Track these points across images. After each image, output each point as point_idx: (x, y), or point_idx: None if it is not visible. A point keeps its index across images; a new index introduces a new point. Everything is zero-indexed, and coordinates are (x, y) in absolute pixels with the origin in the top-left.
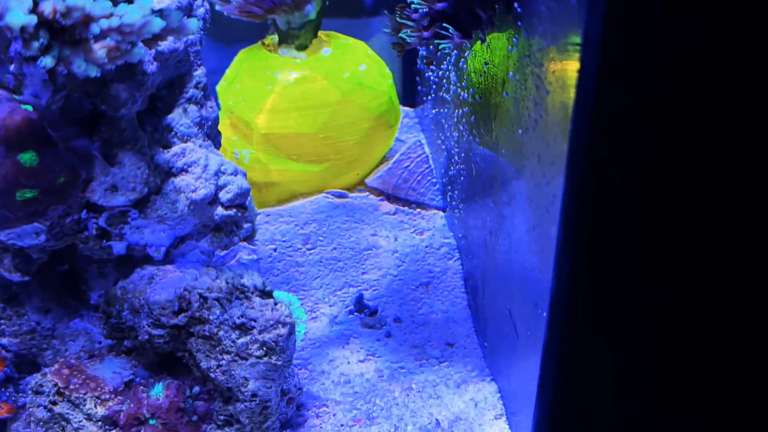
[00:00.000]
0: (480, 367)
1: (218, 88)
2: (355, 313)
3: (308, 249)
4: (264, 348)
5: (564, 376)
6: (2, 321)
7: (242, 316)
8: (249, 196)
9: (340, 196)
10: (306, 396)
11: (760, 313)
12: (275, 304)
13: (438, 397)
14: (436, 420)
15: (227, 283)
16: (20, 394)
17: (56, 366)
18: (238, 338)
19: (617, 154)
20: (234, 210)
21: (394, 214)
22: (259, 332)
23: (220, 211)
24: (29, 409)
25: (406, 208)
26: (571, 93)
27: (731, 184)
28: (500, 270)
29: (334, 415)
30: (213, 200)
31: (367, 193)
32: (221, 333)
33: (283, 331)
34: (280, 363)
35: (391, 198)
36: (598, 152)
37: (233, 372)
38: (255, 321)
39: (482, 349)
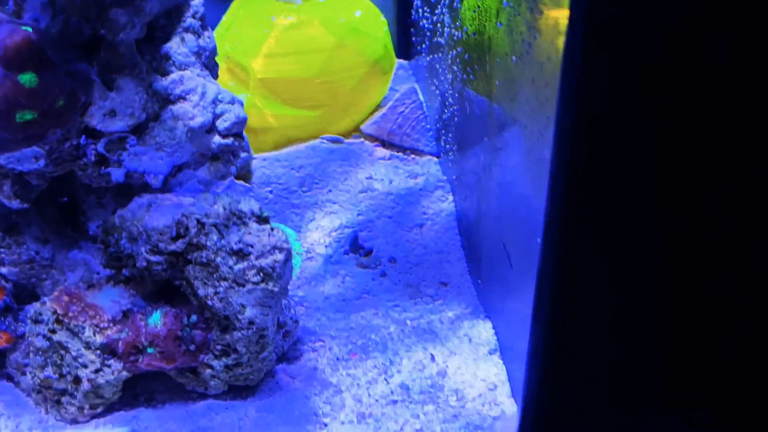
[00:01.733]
0: (474, 304)
1: (215, 33)
2: (351, 254)
3: (304, 191)
4: (261, 274)
5: (558, 304)
6: (2, 250)
7: (239, 242)
8: (245, 139)
9: (336, 141)
10: (302, 331)
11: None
12: (272, 229)
13: (432, 332)
14: (431, 354)
15: (224, 208)
16: (19, 324)
17: (55, 293)
18: (235, 264)
19: (613, 70)
20: (231, 139)
21: (389, 159)
22: (256, 258)
23: (217, 139)
24: (28, 338)
25: (400, 154)
26: (565, 8)
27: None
28: (494, 204)
29: (330, 349)
30: (210, 128)
31: (362, 140)
32: (218, 259)
33: (280, 256)
34: (276, 289)
35: (385, 144)
36: (592, 69)
37: (230, 299)
38: (252, 247)
39: (476, 287)
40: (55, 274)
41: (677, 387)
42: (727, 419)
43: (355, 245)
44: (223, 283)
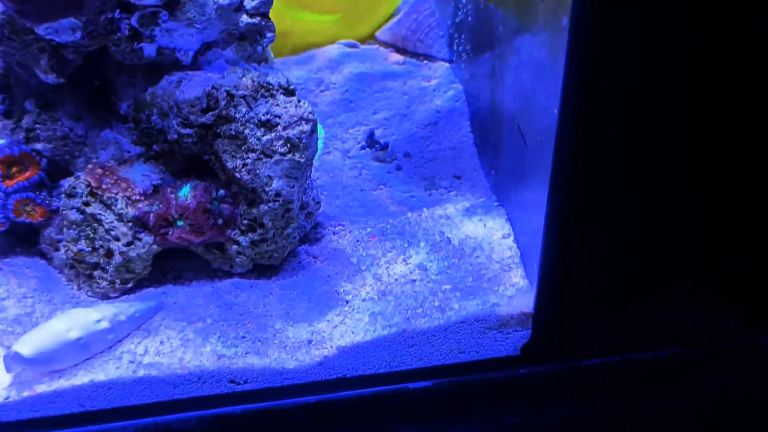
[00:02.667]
0: (487, 195)
1: None
2: (367, 148)
3: (321, 91)
4: (288, 144)
5: (574, 179)
6: (37, 126)
7: (267, 113)
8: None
9: (352, 46)
10: (322, 216)
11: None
12: (298, 101)
13: (448, 218)
14: (447, 237)
15: (253, 81)
16: (53, 200)
17: (89, 167)
18: (263, 135)
19: None
20: (258, 18)
21: (403, 64)
22: (284, 128)
23: (244, 18)
24: (62, 212)
25: (414, 59)
26: None
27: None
28: (509, 88)
29: (350, 232)
30: (239, 7)
31: (377, 46)
32: (247, 131)
33: (307, 127)
34: (303, 160)
35: (399, 50)
36: None
37: (258, 171)
38: (279, 117)
39: (489, 180)
40: (88, 151)
41: (686, 269)
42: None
43: (371, 141)
44: (251, 155)
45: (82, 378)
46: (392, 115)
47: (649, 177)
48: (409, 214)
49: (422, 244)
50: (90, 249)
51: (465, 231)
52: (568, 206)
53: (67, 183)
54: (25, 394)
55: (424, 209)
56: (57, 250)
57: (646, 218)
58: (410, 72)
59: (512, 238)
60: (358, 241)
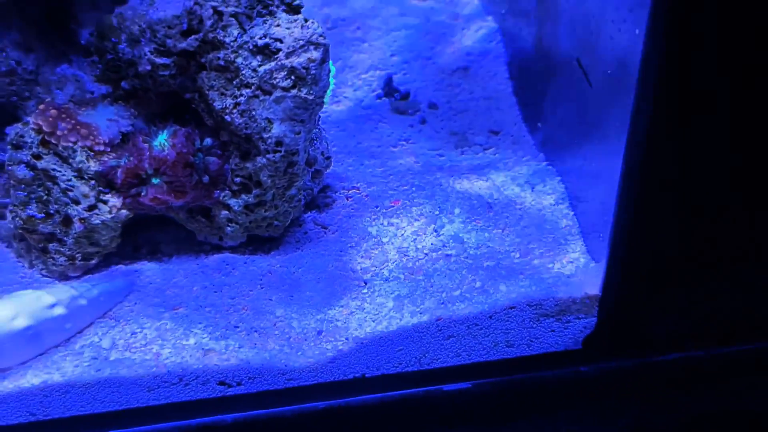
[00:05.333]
0: (532, 153)
1: None
2: (384, 98)
3: (329, 29)
4: (292, 76)
5: (660, 127)
6: None
7: (265, 36)
8: None
9: None
10: (332, 177)
11: None
12: (305, 20)
13: (488, 179)
14: (487, 203)
15: None
16: None
17: (40, 107)
18: (260, 65)
19: None
20: None
21: (425, 0)
22: (286, 56)
23: None
24: (8, 167)
25: None
26: None
27: None
28: (564, 17)
29: (367, 196)
30: None
31: None
32: (239, 60)
33: (316, 54)
34: (311, 98)
35: None
36: None
37: (254, 112)
38: (281, 42)
39: (534, 135)
40: (41, 91)
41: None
42: None
43: (389, 89)
44: (245, 91)
45: (31, 379)
46: (413, 58)
47: (755, 131)
48: (439, 175)
49: (457, 210)
50: (43, 215)
51: (508, 196)
52: (651, 162)
53: (13, 131)
54: None
55: (456, 170)
56: (2, 217)
57: (746, 183)
58: (433, 7)
59: (567, 204)
60: (377, 207)
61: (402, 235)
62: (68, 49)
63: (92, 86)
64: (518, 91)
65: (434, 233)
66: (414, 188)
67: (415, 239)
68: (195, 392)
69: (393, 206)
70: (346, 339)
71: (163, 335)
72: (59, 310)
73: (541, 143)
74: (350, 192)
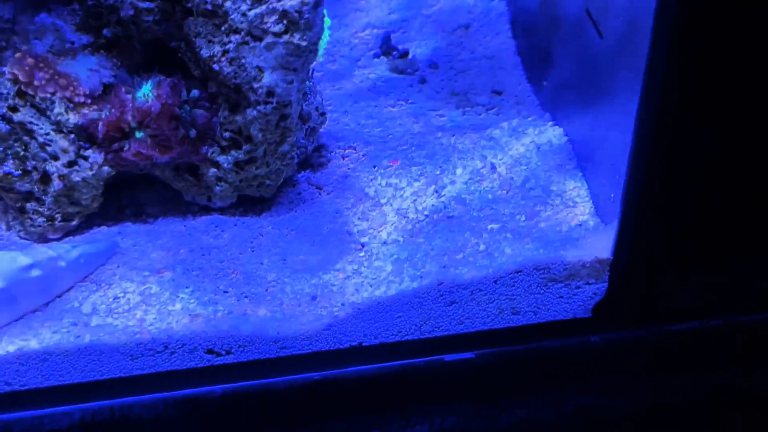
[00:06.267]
0: (538, 113)
1: None
2: (382, 56)
3: None
4: (284, 21)
5: (678, 73)
6: None
7: None
8: None
9: None
10: (327, 137)
11: None
12: None
13: (491, 139)
14: (491, 163)
15: None
16: None
17: (17, 56)
18: (249, 9)
19: None
20: None
21: None
22: None
23: None
24: None
25: None
26: None
27: None
28: None
29: (364, 155)
30: None
31: None
32: (228, 3)
33: None
34: (304, 44)
35: None
36: None
37: (243, 60)
38: None
39: (538, 95)
40: (18, 41)
41: None
42: None
43: (387, 47)
44: (234, 37)
45: (6, 346)
46: (412, 16)
47: None
48: (440, 135)
49: (459, 171)
50: (20, 172)
51: (513, 155)
52: (668, 113)
53: None
54: None
55: (457, 130)
56: None
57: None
58: None
59: (575, 164)
60: (374, 166)
61: (401, 195)
62: None
63: (73, 36)
64: (522, 51)
65: (435, 194)
66: (413, 148)
67: (415, 200)
68: (181, 361)
69: (391, 166)
70: (342, 305)
71: (148, 300)
72: (36, 272)
73: (546, 103)
74: (346, 152)
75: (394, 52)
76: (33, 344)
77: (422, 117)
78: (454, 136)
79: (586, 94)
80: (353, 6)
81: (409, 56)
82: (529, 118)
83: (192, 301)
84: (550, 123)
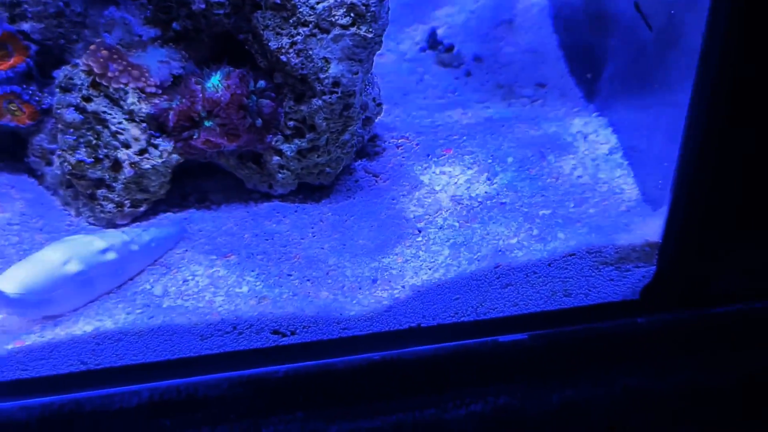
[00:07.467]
0: (582, 105)
1: None
2: (428, 50)
3: None
4: (352, 13)
5: (735, 54)
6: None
7: None
8: None
9: None
10: (380, 127)
11: None
12: None
13: (539, 129)
14: (540, 152)
15: None
16: (45, 96)
17: (91, 48)
18: (318, 2)
19: None
20: None
21: None
22: None
23: None
24: (56, 111)
25: None
26: None
27: None
28: None
29: (417, 144)
30: None
31: None
32: None
33: None
34: (370, 35)
35: None
36: None
37: (310, 51)
38: None
39: (582, 87)
40: (88, 34)
41: None
42: None
43: (433, 41)
44: (302, 30)
45: (83, 326)
46: (456, 12)
47: None
48: (489, 125)
49: (509, 159)
50: (92, 159)
51: (561, 146)
52: (720, 100)
53: (62, 73)
54: (10, 347)
55: (505, 122)
56: (49, 163)
57: None
58: None
59: (621, 153)
60: (428, 155)
61: (455, 183)
62: None
63: (140, 29)
64: (564, 44)
65: (487, 181)
66: (464, 138)
67: (469, 187)
68: (248, 341)
69: (445, 155)
70: (402, 287)
71: (216, 283)
72: (111, 256)
73: (591, 95)
74: (399, 141)
75: (439, 46)
76: (108, 325)
77: (470, 108)
78: (503, 126)
79: (632, 86)
80: (400, 2)
81: (454, 50)
82: (575, 110)
83: (258, 283)
84: (595, 114)
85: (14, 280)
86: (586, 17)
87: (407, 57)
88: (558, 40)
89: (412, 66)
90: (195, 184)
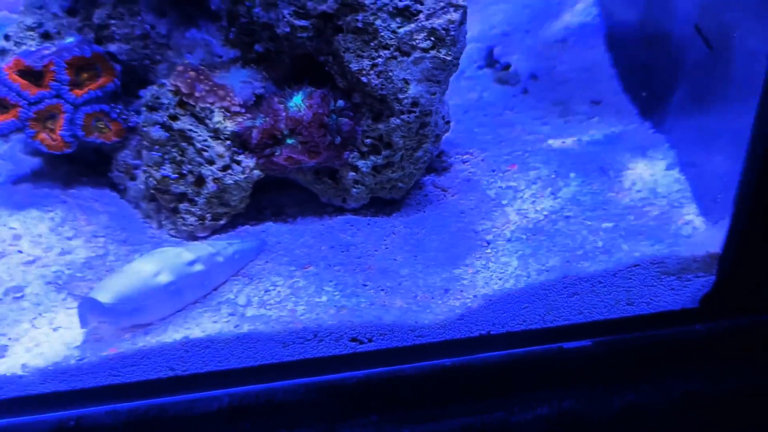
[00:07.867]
0: (638, 122)
1: None
2: (486, 68)
3: None
4: (432, 38)
5: None
6: (112, 21)
7: None
8: None
9: None
10: (445, 143)
11: None
12: None
13: (597, 145)
14: (600, 168)
15: None
16: (131, 114)
17: (178, 69)
18: (399, 27)
19: None
20: None
21: None
22: (427, 17)
23: None
24: (142, 129)
25: None
26: None
27: None
28: None
29: (482, 160)
30: None
31: None
32: (378, 21)
33: (456, 16)
34: (449, 58)
35: None
36: None
37: (391, 72)
38: (421, 3)
39: (636, 104)
40: (172, 55)
41: None
42: None
43: (490, 60)
44: (383, 52)
45: (172, 334)
46: (512, 31)
47: None
48: (550, 141)
49: (572, 174)
50: (176, 175)
51: (620, 161)
52: None
53: (149, 92)
54: (104, 354)
55: (565, 137)
56: (133, 179)
57: None
58: None
59: (678, 169)
60: (493, 170)
61: (521, 197)
62: (197, 15)
63: (221, 50)
64: (618, 62)
65: (552, 196)
66: (527, 153)
67: (534, 201)
68: (328, 348)
69: (510, 170)
70: (474, 296)
71: (296, 293)
72: (198, 267)
73: (646, 112)
74: (465, 156)
75: (496, 65)
76: (196, 333)
77: (529, 125)
78: (563, 142)
79: (689, 102)
80: None
81: (511, 68)
82: (631, 126)
83: (336, 293)
84: (651, 130)
85: (109, 290)
86: (640, 36)
87: (466, 75)
88: (611, 57)
89: (471, 84)
90: (271, 198)
